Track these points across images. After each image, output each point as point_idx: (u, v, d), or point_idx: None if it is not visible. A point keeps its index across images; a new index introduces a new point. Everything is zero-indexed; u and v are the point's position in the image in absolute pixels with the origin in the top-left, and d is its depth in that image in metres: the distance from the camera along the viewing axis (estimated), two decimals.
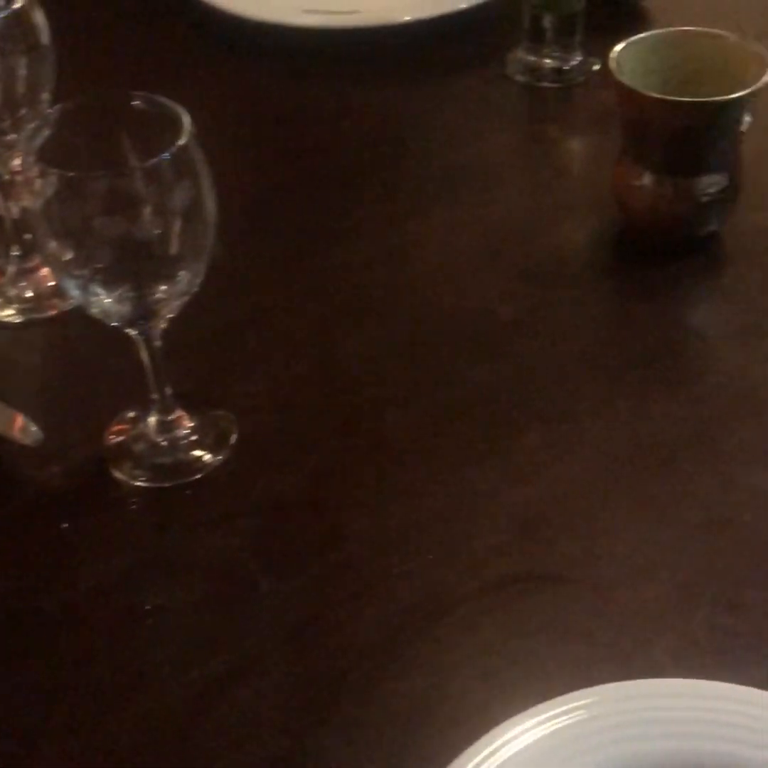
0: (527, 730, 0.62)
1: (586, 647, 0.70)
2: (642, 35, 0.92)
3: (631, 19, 1.22)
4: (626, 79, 0.90)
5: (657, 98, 0.88)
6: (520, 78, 1.16)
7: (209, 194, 0.72)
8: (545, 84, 1.16)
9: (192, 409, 0.83)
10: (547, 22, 1.13)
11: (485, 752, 0.61)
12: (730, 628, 0.71)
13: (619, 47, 0.91)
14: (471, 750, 0.61)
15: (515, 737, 0.61)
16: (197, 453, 0.82)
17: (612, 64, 0.90)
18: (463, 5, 1.22)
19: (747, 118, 0.89)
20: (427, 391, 0.86)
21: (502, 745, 0.61)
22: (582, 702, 0.63)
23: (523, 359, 0.89)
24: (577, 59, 1.15)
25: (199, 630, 0.72)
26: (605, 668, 0.67)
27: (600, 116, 1.09)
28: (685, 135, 0.89)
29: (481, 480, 0.80)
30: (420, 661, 0.70)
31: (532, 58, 1.16)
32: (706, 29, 0.93)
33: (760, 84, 0.87)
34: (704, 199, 0.91)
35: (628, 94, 0.90)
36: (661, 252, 0.95)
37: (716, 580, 0.73)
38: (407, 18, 1.21)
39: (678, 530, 0.76)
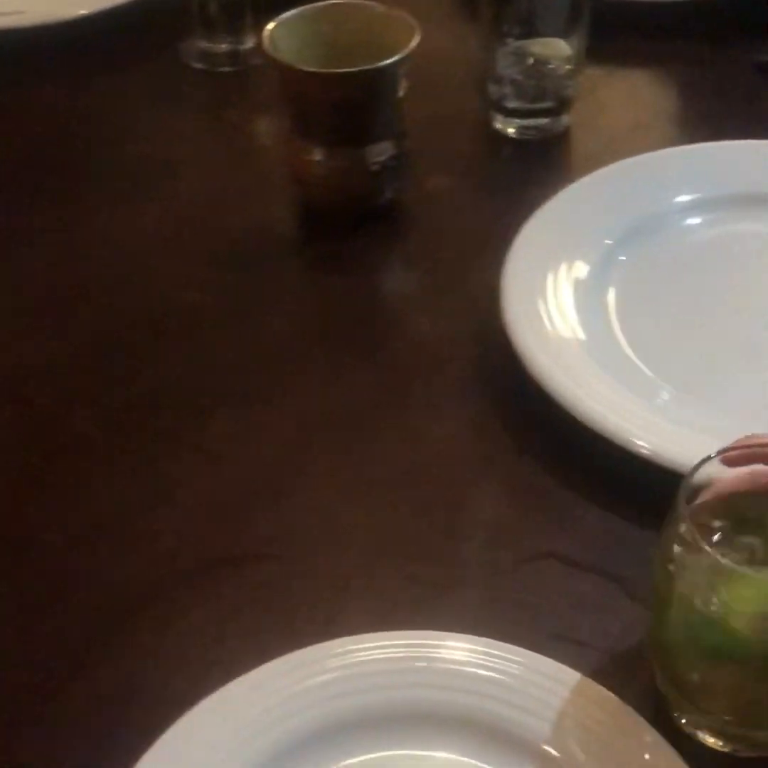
0: (243, 694, 0.63)
1: (290, 616, 0.70)
2: (293, 12, 0.93)
3: None
4: (284, 55, 0.91)
5: (311, 72, 0.89)
6: (196, 65, 1.16)
7: None
8: (222, 69, 1.16)
9: None
10: (214, 7, 1.13)
11: (197, 718, 0.62)
12: (425, 580, 0.73)
13: (271, 25, 0.92)
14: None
15: (232, 702, 0.63)
16: None
17: (266, 42, 0.91)
18: None
19: (403, 84, 0.91)
20: (116, 386, 0.85)
21: (216, 710, 0.63)
22: (290, 664, 0.65)
23: (211, 344, 0.88)
24: (249, 42, 1.15)
25: None
26: (309, 633, 0.67)
27: (278, 96, 1.10)
28: (345, 106, 0.90)
29: (174, 469, 0.79)
30: (124, 650, 0.69)
31: (205, 44, 1.15)
32: (354, 1, 0.94)
33: (408, 50, 0.89)
34: (375, 167, 0.93)
35: (284, 71, 0.91)
36: (344, 224, 0.97)
37: (410, 534, 0.75)
38: (80, 12, 1.18)
39: (371, 491, 0.78)
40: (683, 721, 0.63)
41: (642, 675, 0.65)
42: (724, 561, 0.56)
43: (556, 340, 0.83)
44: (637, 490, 0.75)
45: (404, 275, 0.97)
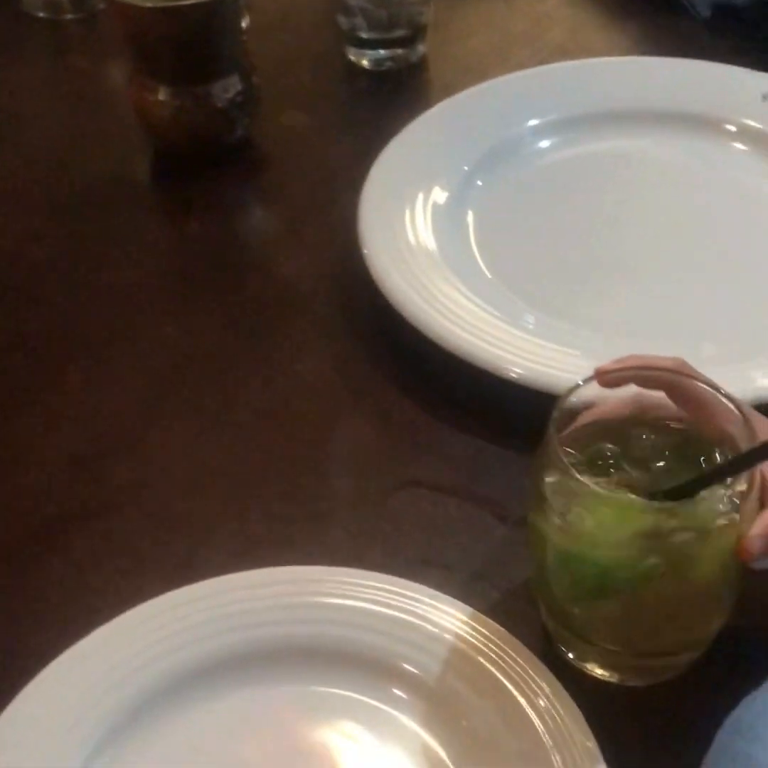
0: (107, 641, 0.62)
1: (153, 563, 0.68)
2: None
3: None
4: None
5: (148, 8, 0.85)
6: (39, 14, 1.11)
7: None
8: (66, 17, 1.11)
9: None
10: None
11: (61, 669, 0.61)
12: (291, 517, 0.71)
13: None
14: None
15: (96, 651, 0.61)
16: None
17: None
18: None
19: (246, 17, 0.89)
20: None
21: (80, 659, 0.61)
22: (154, 609, 0.63)
23: (62, 298, 0.85)
24: None
25: None
26: (173, 577, 0.65)
27: (121, 38, 1.06)
28: (185, 42, 0.87)
29: (29, 424, 0.76)
30: None
31: None
32: None
33: None
34: (222, 104, 0.90)
35: (123, 8, 0.87)
36: (196, 165, 0.94)
37: (274, 473, 0.73)
38: None
39: (232, 433, 0.76)
40: (570, 655, 0.62)
41: (528, 609, 0.64)
42: (592, 486, 0.55)
43: (417, 268, 0.81)
44: (506, 415, 0.74)
45: (261, 214, 0.94)
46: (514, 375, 0.74)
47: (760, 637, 0.63)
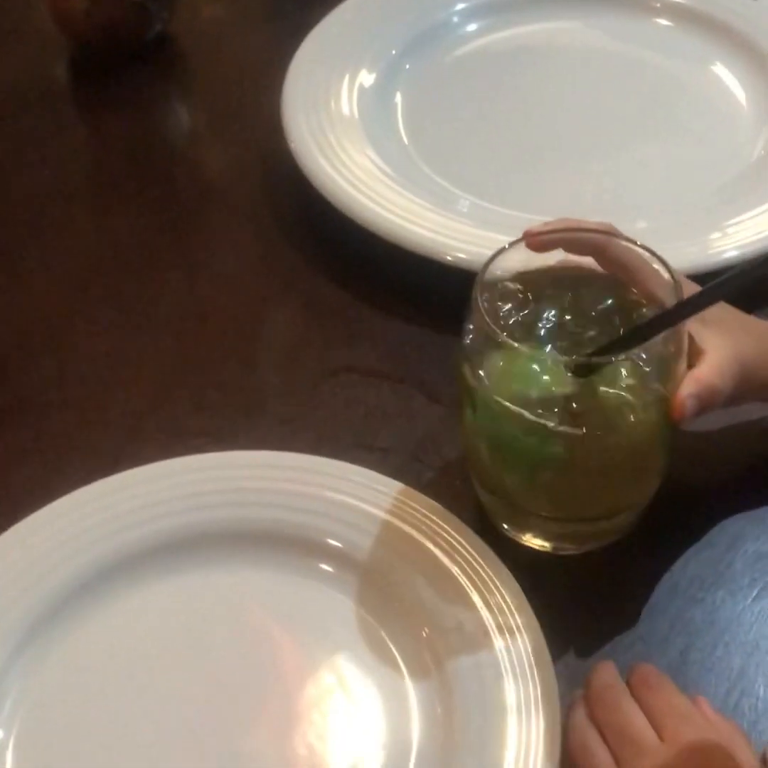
0: (34, 530, 0.60)
1: (79, 457, 0.66)
2: None
3: None
4: None
5: None
6: None
7: None
8: None
9: None
10: None
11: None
12: (221, 407, 0.69)
13: None
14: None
15: (21, 541, 0.60)
16: None
17: None
18: None
19: None
20: None
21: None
22: (81, 498, 0.62)
23: None
24: None
25: None
26: (99, 470, 0.63)
27: None
28: None
29: None
30: None
31: None
32: None
33: None
34: None
35: None
36: (114, 63, 0.90)
37: (203, 365, 0.72)
38: None
39: (158, 329, 0.74)
40: (505, 526, 0.61)
41: (462, 487, 0.63)
42: (516, 345, 0.53)
43: (345, 156, 0.79)
44: (439, 300, 0.72)
45: (182, 110, 0.92)
46: (449, 259, 0.72)
47: (693, 500, 0.63)
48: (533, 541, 0.61)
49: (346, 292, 0.75)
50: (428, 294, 0.73)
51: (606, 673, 0.53)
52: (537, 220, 0.74)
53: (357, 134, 0.81)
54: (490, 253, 0.69)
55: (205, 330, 0.74)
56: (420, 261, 0.73)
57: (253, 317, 0.75)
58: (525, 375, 0.55)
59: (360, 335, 0.73)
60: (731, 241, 0.73)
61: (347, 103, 0.83)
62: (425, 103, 0.86)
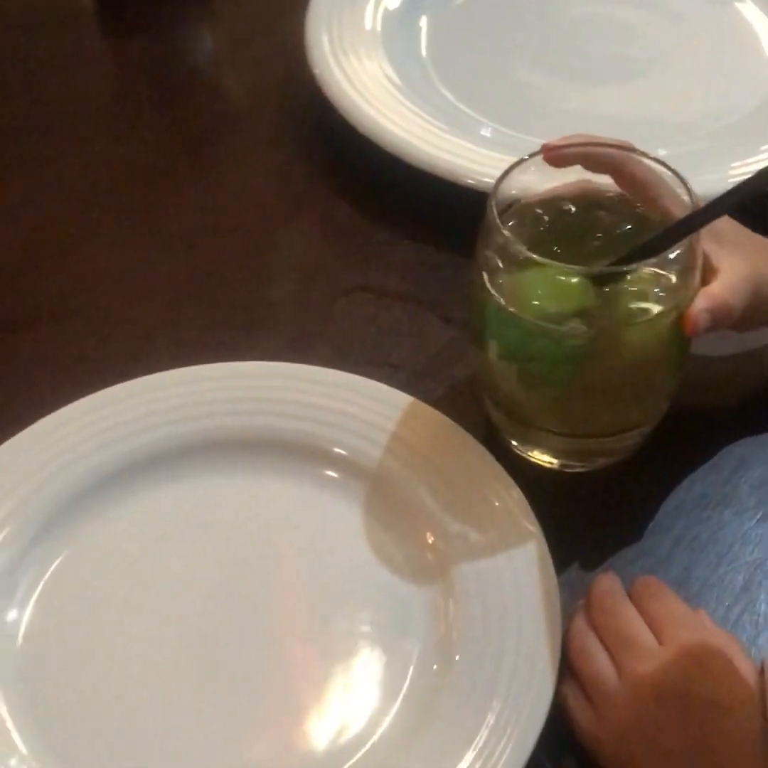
0: (45, 433, 0.61)
1: (92, 367, 0.67)
2: None
3: None
4: None
5: None
6: None
7: None
8: None
9: None
10: None
11: None
12: (234, 323, 0.69)
13: None
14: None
15: (31, 444, 0.60)
16: None
17: None
18: None
19: None
20: None
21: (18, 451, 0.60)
22: (95, 403, 0.62)
23: (3, 112, 0.82)
24: None
25: None
26: (110, 381, 0.63)
27: None
28: None
29: None
30: None
31: None
32: None
33: None
34: None
35: None
36: None
37: (216, 281, 0.72)
38: None
39: (173, 243, 0.74)
40: (514, 443, 0.61)
41: (471, 405, 0.63)
42: (536, 257, 0.53)
43: (366, 78, 0.79)
44: (453, 221, 0.71)
45: (204, 31, 0.90)
46: (468, 181, 0.72)
47: (701, 424, 0.63)
48: (541, 458, 0.61)
49: (362, 214, 0.75)
50: (445, 217, 0.73)
51: (607, 581, 0.53)
52: None
53: (379, 55, 0.81)
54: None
55: (219, 246, 0.74)
56: (437, 184, 0.73)
57: (268, 235, 0.75)
58: (540, 286, 0.54)
59: (375, 256, 0.73)
60: (751, 170, 0.73)
61: (371, 23, 0.83)
62: (450, 28, 0.85)
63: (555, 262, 0.54)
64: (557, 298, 0.55)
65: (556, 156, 0.57)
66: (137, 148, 0.80)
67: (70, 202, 0.77)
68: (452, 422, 0.60)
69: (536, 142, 0.73)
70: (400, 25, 0.84)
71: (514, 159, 0.70)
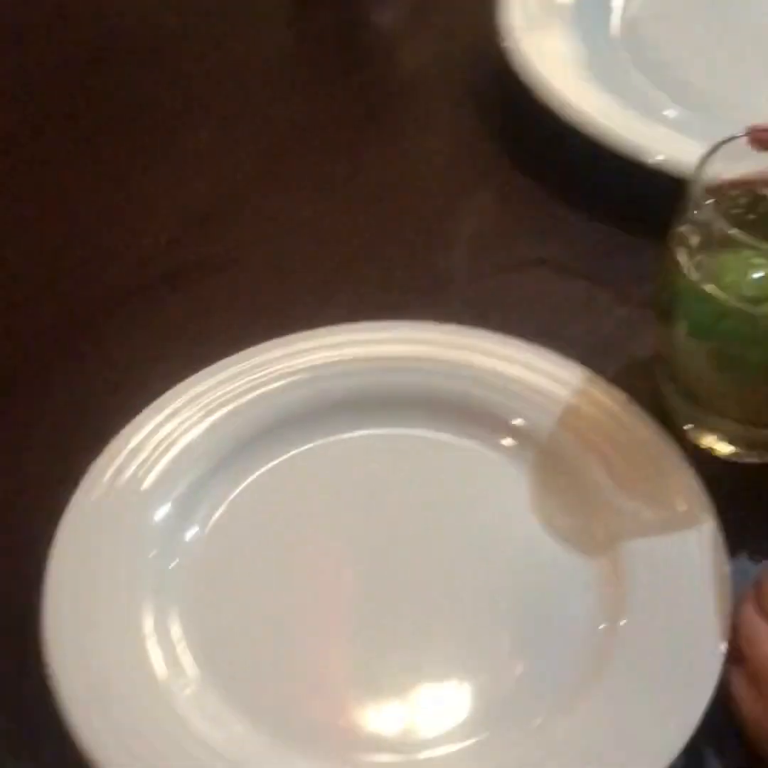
0: (226, 374, 0.62)
1: (269, 314, 0.67)
2: None
3: None
4: None
5: None
6: None
7: None
8: None
9: None
10: None
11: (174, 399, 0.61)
12: (409, 284, 0.70)
13: None
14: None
15: (211, 382, 0.62)
16: None
17: None
18: None
19: None
20: (92, 105, 0.81)
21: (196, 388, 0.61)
22: (273, 349, 0.63)
23: (187, 65, 0.84)
24: None
25: None
26: (286, 328, 0.64)
27: None
28: None
29: (150, 183, 0.76)
30: (113, 333, 0.68)
31: None
32: None
33: None
34: None
35: None
36: None
37: (394, 241, 0.72)
38: None
39: (353, 201, 0.75)
40: (687, 427, 0.60)
41: (647, 384, 0.62)
42: (742, 235, 0.51)
43: (555, 53, 0.78)
44: (638, 200, 0.71)
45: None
46: (655, 160, 0.71)
47: None
48: (716, 445, 0.60)
49: (543, 188, 0.74)
50: (627, 197, 0.72)
51: None
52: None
53: (569, 30, 0.80)
54: (695, 158, 0.68)
55: (396, 209, 0.74)
56: (621, 163, 0.72)
57: (447, 203, 0.75)
58: (740, 266, 0.53)
59: (553, 231, 0.73)
60: None
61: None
62: (644, 7, 0.84)
63: (760, 243, 0.53)
64: (756, 280, 0.54)
65: (763, 137, 0.56)
66: (322, 113, 0.81)
67: (254, 155, 0.78)
68: (629, 399, 0.59)
69: (721, 131, 0.73)
70: (593, 2, 0.84)
71: (699, 142, 0.70)
